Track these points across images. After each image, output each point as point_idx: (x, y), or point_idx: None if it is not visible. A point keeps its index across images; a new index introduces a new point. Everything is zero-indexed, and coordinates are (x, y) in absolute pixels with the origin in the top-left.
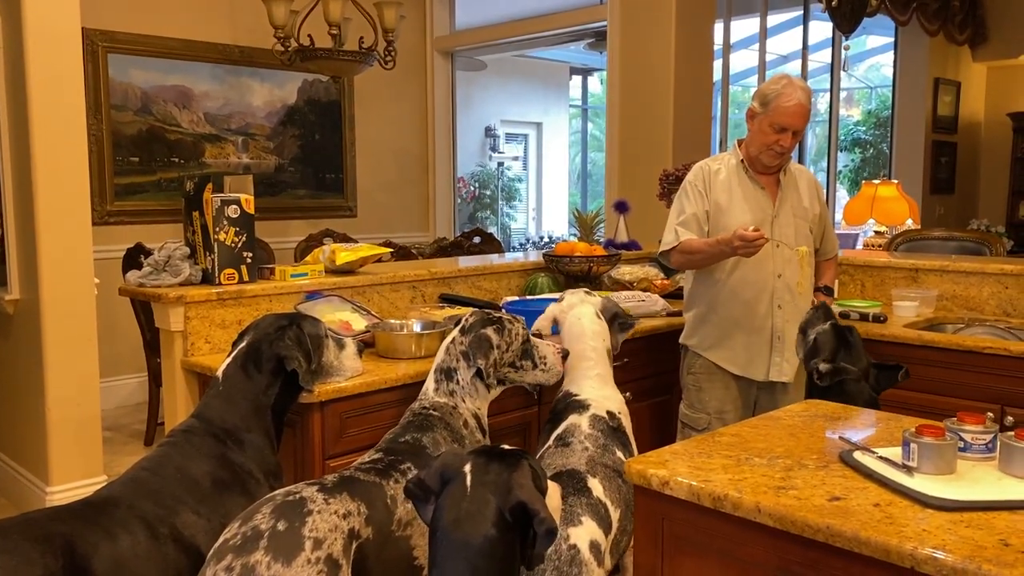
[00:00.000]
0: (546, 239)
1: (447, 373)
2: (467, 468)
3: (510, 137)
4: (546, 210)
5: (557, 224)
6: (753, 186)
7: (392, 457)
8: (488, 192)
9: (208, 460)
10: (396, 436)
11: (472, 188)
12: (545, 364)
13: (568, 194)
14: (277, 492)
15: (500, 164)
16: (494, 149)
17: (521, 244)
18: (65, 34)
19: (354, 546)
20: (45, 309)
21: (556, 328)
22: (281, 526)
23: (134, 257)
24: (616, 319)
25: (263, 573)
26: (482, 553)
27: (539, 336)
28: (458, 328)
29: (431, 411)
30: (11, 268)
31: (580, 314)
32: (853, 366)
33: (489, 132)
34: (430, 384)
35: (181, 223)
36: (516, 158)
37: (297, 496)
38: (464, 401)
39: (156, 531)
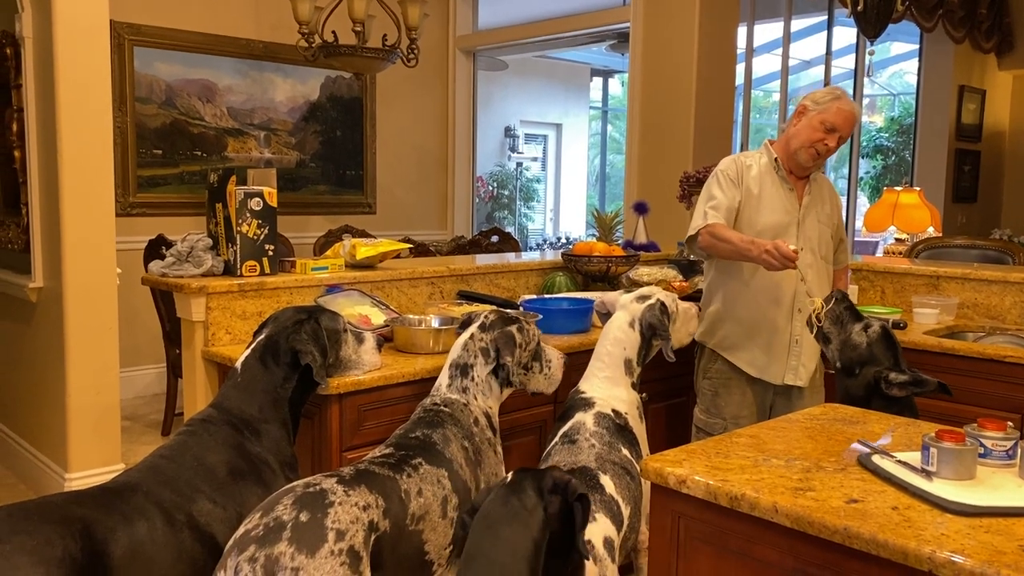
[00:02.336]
0: (563, 240)
1: (463, 369)
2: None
3: (529, 138)
4: (564, 211)
5: (574, 225)
6: (783, 186)
7: (403, 452)
8: (506, 192)
9: (225, 449)
10: (407, 431)
11: (490, 188)
12: (549, 368)
13: (586, 196)
14: (296, 484)
15: (519, 164)
16: (513, 149)
17: (538, 244)
18: (94, 27)
19: (372, 538)
20: (68, 298)
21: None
22: (304, 517)
23: (156, 248)
24: (652, 333)
25: (287, 564)
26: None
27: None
28: (477, 325)
29: (442, 407)
30: (35, 257)
31: (615, 317)
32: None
33: (509, 132)
34: (443, 379)
35: (202, 216)
36: (535, 159)
37: (318, 488)
38: (476, 399)
39: (173, 518)
